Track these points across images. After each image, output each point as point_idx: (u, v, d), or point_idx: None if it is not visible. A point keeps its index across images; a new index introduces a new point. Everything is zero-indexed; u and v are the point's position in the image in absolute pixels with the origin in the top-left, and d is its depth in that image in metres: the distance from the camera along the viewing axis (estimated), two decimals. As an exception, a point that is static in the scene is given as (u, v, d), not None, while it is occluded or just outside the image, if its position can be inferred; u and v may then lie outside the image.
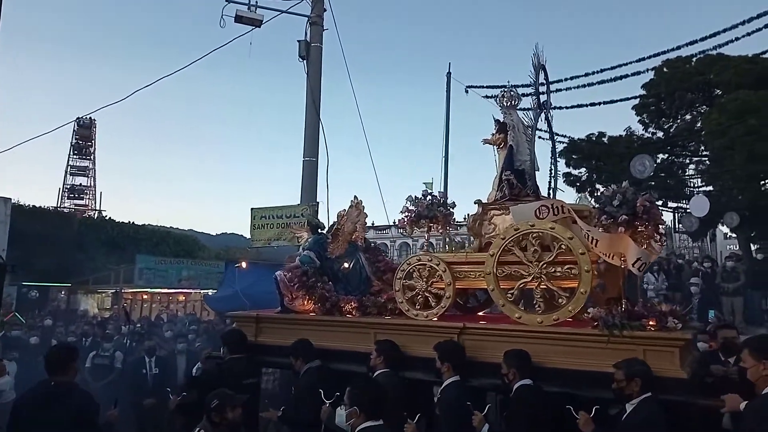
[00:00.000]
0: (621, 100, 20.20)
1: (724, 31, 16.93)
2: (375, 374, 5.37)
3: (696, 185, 21.07)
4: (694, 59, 20.40)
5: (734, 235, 22.27)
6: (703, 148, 20.98)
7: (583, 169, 22.16)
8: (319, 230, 6.61)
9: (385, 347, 5.43)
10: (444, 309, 5.57)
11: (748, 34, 16.71)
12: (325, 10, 11.12)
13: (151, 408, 8.14)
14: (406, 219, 5.92)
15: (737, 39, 16.99)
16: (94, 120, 61.23)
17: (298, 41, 10.83)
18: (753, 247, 20.62)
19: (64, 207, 55.42)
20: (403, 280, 5.78)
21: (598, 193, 5.15)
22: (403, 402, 5.22)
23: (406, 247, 56.10)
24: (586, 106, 19.70)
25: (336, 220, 6.52)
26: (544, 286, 5.12)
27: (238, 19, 10.69)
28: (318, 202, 10.28)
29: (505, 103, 6.04)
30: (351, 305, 6.02)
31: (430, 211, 5.82)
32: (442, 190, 19.83)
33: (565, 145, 21.18)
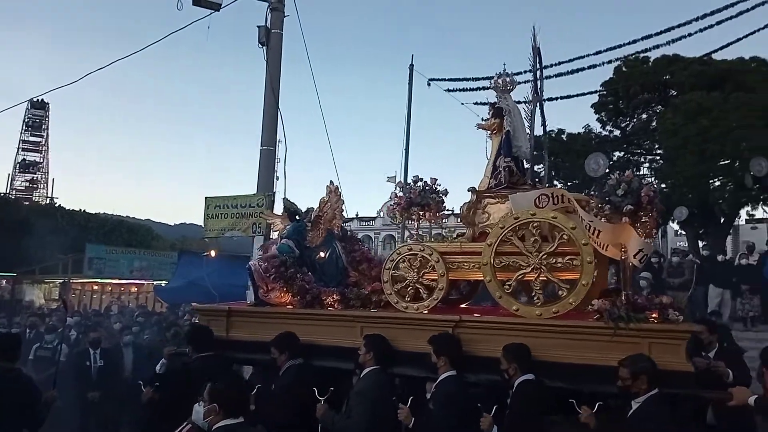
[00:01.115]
0: (579, 95, 20.22)
1: (679, 26, 17.11)
2: (364, 372, 5.00)
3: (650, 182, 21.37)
4: (651, 60, 20.71)
5: (684, 232, 22.77)
6: (657, 146, 21.36)
7: (540, 165, 22.08)
8: (297, 217, 6.13)
9: (374, 342, 5.06)
10: (437, 301, 5.24)
11: (701, 31, 16.89)
12: None
13: (95, 401, 7.79)
14: (396, 206, 5.54)
15: (690, 35, 17.18)
16: (47, 103, 58.92)
17: (258, 27, 10.35)
18: (701, 244, 21.09)
19: (12, 192, 53.28)
20: (392, 270, 5.41)
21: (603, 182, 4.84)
22: (393, 399, 4.88)
23: (391, 239, 54.38)
24: (545, 101, 19.69)
25: (318, 206, 6.05)
26: (544, 278, 4.85)
27: (197, 1, 10.10)
28: (274, 192, 9.90)
29: (500, 88, 5.73)
30: (333, 297, 5.62)
31: (422, 198, 5.46)
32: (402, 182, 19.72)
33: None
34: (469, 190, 5.54)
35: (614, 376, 4.23)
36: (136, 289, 23.84)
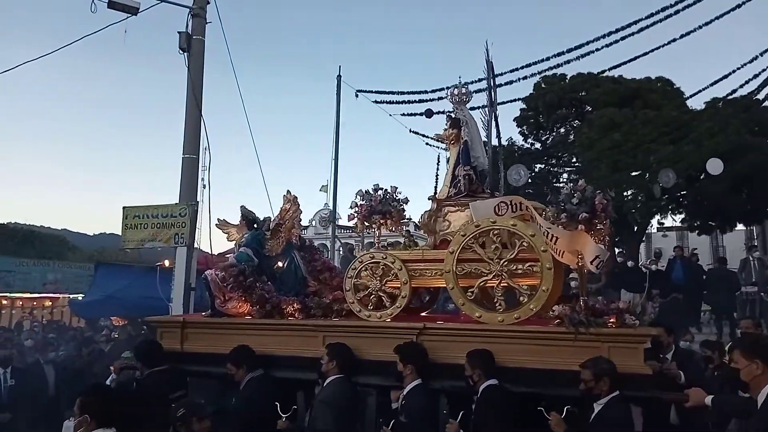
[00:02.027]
0: (501, 103, 20.64)
1: (587, 43, 17.88)
2: (327, 381, 4.91)
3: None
4: (567, 77, 21.62)
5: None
6: (574, 159, 22.30)
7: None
8: (255, 225, 5.94)
9: (338, 351, 4.98)
10: (399, 309, 5.22)
11: (607, 46, 17.69)
12: (208, 3, 10.37)
13: (6, 423, 7.31)
14: (356, 215, 5.48)
15: (597, 50, 17.93)
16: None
17: (179, 32, 10.02)
18: (616, 251, 22.16)
19: None
20: (354, 279, 5.37)
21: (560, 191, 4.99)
22: (358, 410, 4.82)
23: (323, 248, 53.60)
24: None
25: (278, 214, 5.89)
26: (505, 284, 4.92)
27: (111, 5, 9.63)
28: (197, 202, 9.52)
29: (456, 99, 5.81)
30: (293, 307, 5.49)
31: (383, 206, 5.43)
32: (331, 192, 19.53)
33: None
34: (429, 199, 5.58)
35: (576, 380, 4.32)
36: (50, 303, 22.37)
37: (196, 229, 9.29)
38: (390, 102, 19.27)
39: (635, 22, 16.23)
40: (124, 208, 9.65)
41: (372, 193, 5.49)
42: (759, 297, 13.00)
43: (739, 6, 14.79)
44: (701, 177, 19.50)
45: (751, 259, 14.21)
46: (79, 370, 9.28)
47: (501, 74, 18.65)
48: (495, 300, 4.95)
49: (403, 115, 19.58)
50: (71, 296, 20.25)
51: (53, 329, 15.04)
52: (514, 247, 4.89)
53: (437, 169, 6.09)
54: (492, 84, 5.69)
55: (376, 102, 19.33)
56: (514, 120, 23.07)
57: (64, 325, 16.77)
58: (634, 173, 20.33)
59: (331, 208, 21.52)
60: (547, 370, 4.61)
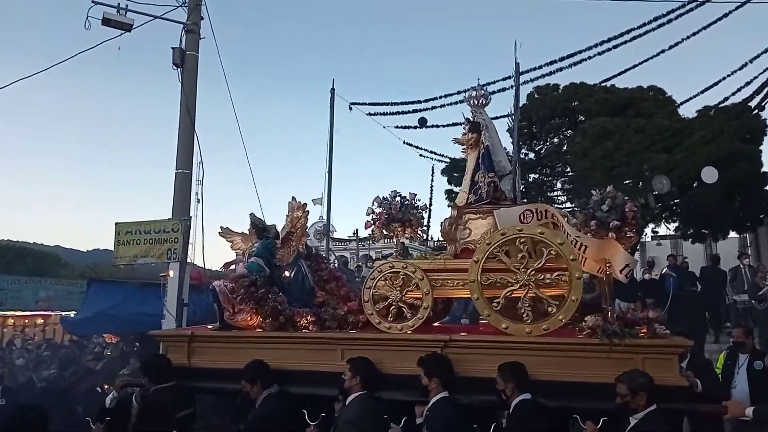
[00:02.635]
0: (493, 119, 20.61)
1: (579, 52, 17.85)
2: (350, 398, 4.65)
3: (562, 202, 22.23)
4: (560, 87, 21.60)
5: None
6: (568, 168, 22.22)
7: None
8: (266, 234, 5.69)
9: (360, 366, 4.72)
10: (421, 320, 4.98)
11: (599, 54, 17.65)
12: (202, 18, 10.24)
13: None
14: (375, 223, 5.24)
15: (589, 59, 17.93)
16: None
17: (172, 48, 9.90)
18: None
19: None
20: (373, 289, 5.11)
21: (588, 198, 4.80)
22: (383, 427, 4.56)
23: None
24: (461, 124, 19.96)
25: (289, 222, 5.64)
26: (532, 294, 4.71)
27: (106, 22, 9.52)
28: (191, 217, 9.34)
29: (475, 103, 5.62)
30: (307, 319, 5.24)
31: (404, 213, 5.19)
32: (325, 205, 19.26)
33: (446, 163, 21.44)
34: (449, 206, 5.37)
35: (610, 393, 4.13)
36: (42, 321, 21.83)
37: (189, 245, 9.15)
38: (384, 114, 19.14)
39: (627, 32, 16.29)
40: (116, 224, 9.48)
41: (390, 200, 5.27)
42: (750, 305, 12.95)
43: (726, 15, 14.86)
44: (694, 185, 19.54)
45: (742, 266, 14.18)
46: (64, 390, 9.00)
47: (494, 82, 18.68)
48: (522, 311, 4.74)
49: (397, 127, 19.47)
50: (63, 313, 19.82)
51: (48, 347, 14.69)
52: (541, 256, 4.68)
53: (432, 180, 5.97)
54: (517, 90, 5.54)
55: (369, 114, 19.18)
56: (507, 130, 22.99)
57: (56, 343, 16.41)
58: (627, 181, 20.33)
59: (325, 221, 21.21)
60: (580, 383, 4.40)
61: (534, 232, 4.74)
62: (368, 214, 5.26)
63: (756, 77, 16.29)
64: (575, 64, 18.08)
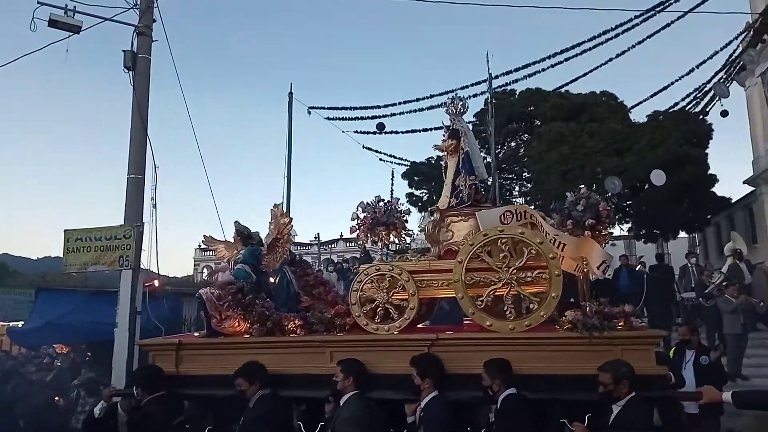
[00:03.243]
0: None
1: (534, 63, 18.41)
2: (345, 397, 4.73)
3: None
4: (517, 93, 22.15)
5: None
6: (525, 172, 22.77)
7: (424, 190, 22.85)
8: (251, 241, 5.73)
9: (353, 367, 4.80)
10: (408, 321, 5.07)
11: (552, 66, 18.18)
12: (155, 21, 10.07)
13: None
14: (360, 227, 5.34)
15: (543, 70, 18.46)
16: None
17: (123, 51, 9.66)
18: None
19: None
20: (359, 292, 5.20)
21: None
22: (378, 426, 4.65)
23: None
24: (419, 131, 20.17)
25: (275, 228, 5.67)
26: (515, 292, 4.86)
27: (53, 23, 9.23)
28: (143, 223, 9.10)
29: (453, 111, 5.78)
30: (294, 323, 5.27)
31: (388, 217, 5.30)
32: (285, 209, 19.21)
33: (407, 167, 21.70)
34: (430, 210, 5.51)
35: (591, 384, 4.30)
36: (-12, 332, 21.03)
37: (143, 251, 8.93)
38: (343, 118, 19.20)
39: (579, 44, 16.85)
40: (65, 231, 9.18)
41: (375, 204, 5.38)
42: (698, 302, 13.51)
43: (668, 25, 15.53)
44: (645, 187, 20.25)
45: (689, 265, 14.73)
46: (6, 404, 8.80)
47: (453, 90, 19.00)
48: (505, 308, 4.88)
49: (356, 132, 19.57)
50: (11, 324, 19.13)
51: (-4, 359, 14.20)
52: (522, 255, 4.83)
53: (392, 184, 6.10)
54: (491, 98, 5.72)
55: (328, 118, 19.18)
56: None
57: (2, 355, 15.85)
58: (582, 185, 20.92)
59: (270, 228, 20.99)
60: (562, 376, 4.56)
61: (515, 232, 4.88)
62: (353, 219, 5.36)
63: (704, 84, 17.18)
64: (530, 75, 18.64)
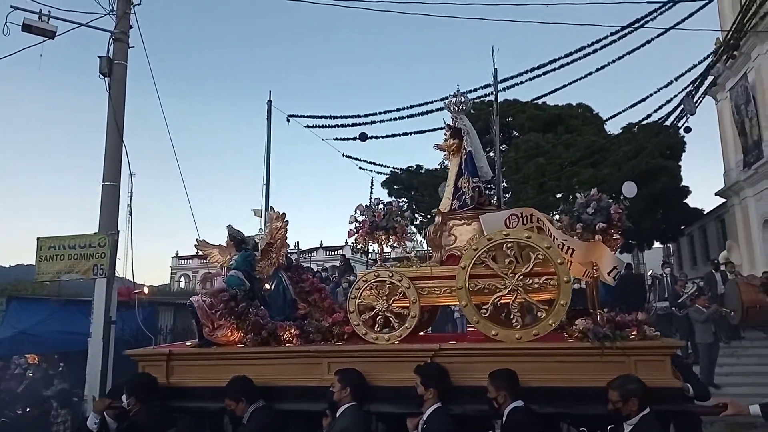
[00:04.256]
0: (430, 131, 20.67)
1: (512, 77, 18.31)
2: (341, 409, 4.31)
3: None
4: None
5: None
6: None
7: (403, 199, 22.55)
8: (244, 246, 5.34)
9: (350, 378, 4.38)
10: (409, 330, 4.66)
11: (530, 80, 18.14)
12: (131, 27, 9.69)
13: None
14: (358, 231, 5.02)
15: (522, 83, 18.40)
16: None
17: (99, 57, 9.19)
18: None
19: None
20: (358, 299, 4.80)
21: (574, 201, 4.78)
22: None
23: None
24: (400, 135, 19.90)
25: (268, 233, 5.34)
26: (521, 300, 4.50)
27: (26, 28, 8.88)
28: (118, 231, 8.73)
29: (455, 108, 5.47)
30: (290, 333, 4.84)
31: (387, 221, 4.95)
32: (264, 217, 18.79)
33: (387, 176, 21.47)
34: (433, 212, 5.24)
35: (603, 397, 3.93)
36: (-42, 342, 20.06)
37: (117, 260, 8.59)
38: (323, 126, 18.91)
39: (554, 60, 16.87)
40: (38, 239, 8.74)
41: (374, 207, 5.07)
42: (671, 312, 13.45)
43: (648, 42, 15.64)
44: (621, 198, 20.37)
45: (663, 275, 14.67)
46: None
47: (432, 102, 18.88)
48: (511, 317, 4.50)
49: (336, 139, 19.28)
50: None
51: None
52: (529, 260, 4.46)
53: (371, 192, 5.81)
54: (496, 96, 5.50)
55: (308, 126, 18.86)
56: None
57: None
58: (559, 195, 20.93)
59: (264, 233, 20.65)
60: (572, 388, 4.18)
61: (520, 236, 4.51)
62: (351, 223, 5.03)
63: (674, 96, 17.33)
64: (508, 88, 18.61)
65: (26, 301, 13.06)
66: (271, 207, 5.58)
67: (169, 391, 4.90)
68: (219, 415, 4.81)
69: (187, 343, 5.38)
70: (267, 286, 5.34)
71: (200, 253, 5.80)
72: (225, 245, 5.47)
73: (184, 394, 4.91)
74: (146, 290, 8.06)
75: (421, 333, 5.58)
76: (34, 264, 8.93)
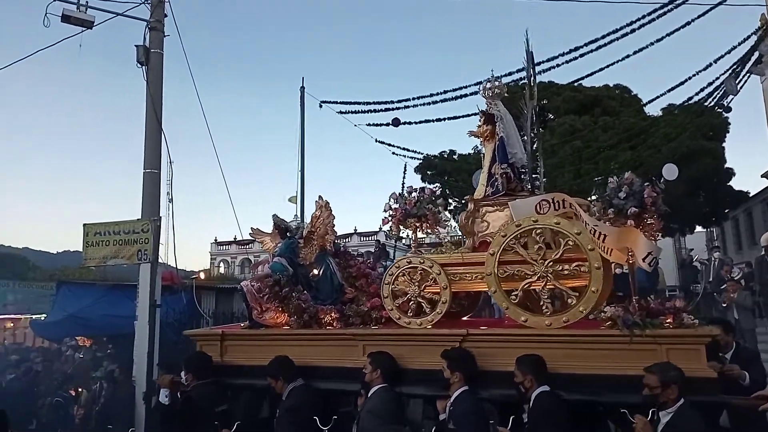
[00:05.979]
0: (464, 116, 20.50)
1: (548, 60, 17.96)
2: (372, 390, 4.25)
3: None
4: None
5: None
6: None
7: (437, 184, 22.49)
8: (288, 234, 5.45)
9: (381, 360, 4.32)
10: (440, 315, 4.51)
11: (567, 62, 17.76)
12: (166, 16, 9.52)
13: None
14: (391, 218, 5.09)
15: (558, 66, 18.02)
16: None
17: (136, 46, 9.23)
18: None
19: None
20: (392, 285, 4.70)
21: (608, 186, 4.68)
22: (403, 420, 4.43)
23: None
24: (433, 121, 19.73)
25: (310, 222, 5.50)
26: (551, 286, 4.30)
27: (66, 19, 8.98)
28: (160, 217, 8.74)
29: (489, 94, 5.33)
30: (331, 316, 4.83)
31: (418, 209, 4.86)
32: (298, 204, 18.94)
33: (420, 161, 21.39)
34: (465, 199, 5.28)
35: (632, 385, 3.76)
36: (11, 324, 20.96)
37: (160, 245, 8.58)
38: (355, 112, 18.85)
39: (594, 41, 16.49)
40: (84, 225, 8.76)
41: (406, 196, 5.01)
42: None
43: (689, 23, 15.13)
44: (661, 181, 19.88)
45: (713, 259, 14.36)
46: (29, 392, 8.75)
47: (466, 86, 18.67)
48: (541, 303, 4.31)
49: (369, 125, 19.22)
50: (34, 316, 19.14)
51: (17, 351, 14.23)
52: (559, 246, 4.23)
53: (404, 177, 5.90)
54: (533, 79, 5.49)
55: (340, 112, 18.77)
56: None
57: (28, 347, 15.88)
58: (597, 179, 20.54)
59: (299, 219, 21.00)
60: (601, 375, 4.00)
61: (550, 222, 4.28)
62: (385, 210, 5.09)
63: (717, 78, 16.75)
64: (544, 71, 18.21)
65: (75, 286, 13.22)
66: (320, 196, 5.63)
67: (222, 368, 5.10)
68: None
69: (241, 325, 5.55)
70: (315, 271, 5.37)
71: (256, 239, 5.97)
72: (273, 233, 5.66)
73: (236, 372, 5.10)
74: (202, 275, 8.20)
75: (464, 318, 5.49)
76: (80, 250, 8.92)
